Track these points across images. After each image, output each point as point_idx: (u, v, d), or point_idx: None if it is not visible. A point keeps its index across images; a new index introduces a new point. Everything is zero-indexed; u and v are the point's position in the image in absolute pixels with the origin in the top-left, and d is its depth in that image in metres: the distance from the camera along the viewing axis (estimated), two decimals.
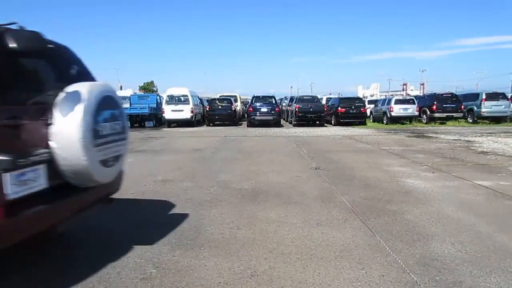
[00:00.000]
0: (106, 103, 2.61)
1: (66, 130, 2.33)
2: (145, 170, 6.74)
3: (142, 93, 34.66)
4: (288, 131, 17.07)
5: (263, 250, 3.07)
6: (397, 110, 21.36)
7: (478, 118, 21.14)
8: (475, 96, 21.91)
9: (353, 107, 21.15)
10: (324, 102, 24.25)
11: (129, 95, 23.62)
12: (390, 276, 2.61)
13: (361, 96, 38.81)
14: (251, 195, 4.91)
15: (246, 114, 24.03)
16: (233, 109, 21.40)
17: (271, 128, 18.65)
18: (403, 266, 2.76)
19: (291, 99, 24.95)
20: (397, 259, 2.88)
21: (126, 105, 20.43)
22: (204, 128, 19.46)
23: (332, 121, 21.82)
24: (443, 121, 21.22)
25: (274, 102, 21.15)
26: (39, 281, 2.57)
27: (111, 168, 2.74)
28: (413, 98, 23.64)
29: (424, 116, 21.52)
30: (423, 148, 9.88)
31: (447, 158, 7.98)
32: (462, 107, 21.27)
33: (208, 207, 4.34)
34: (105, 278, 2.59)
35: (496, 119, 21.05)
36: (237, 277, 2.61)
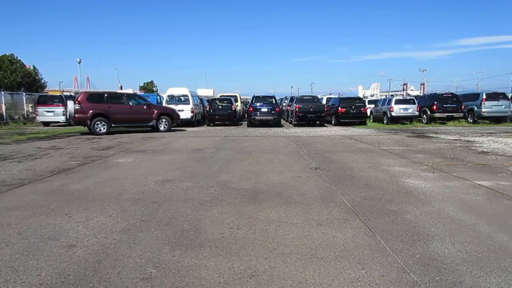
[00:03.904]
0: None
1: None
2: (146, 170, 6.75)
3: (142, 93, 34.66)
4: (288, 131, 17.07)
5: (263, 250, 3.07)
6: (397, 110, 21.37)
7: (479, 118, 21.14)
8: (475, 96, 21.91)
9: (353, 107, 21.16)
10: (324, 102, 24.26)
11: None
12: (390, 276, 2.61)
13: (361, 96, 38.93)
14: (251, 195, 4.91)
15: (246, 114, 24.04)
16: (233, 109, 21.42)
17: (271, 128, 18.65)
18: (403, 266, 2.76)
19: (291, 99, 24.98)
20: (397, 259, 2.88)
21: None
22: (204, 128, 19.46)
23: (332, 121, 21.83)
24: (443, 121, 21.22)
25: (274, 102, 21.16)
26: None
27: None
28: (413, 98, 23.65)
29: (425, 116, 21.52)
30: (423, 148, 9.87)
31: (447, 158, 7.98)
32: (463, 107, 21.27)
33: (208, 207, 4.34)
34: (105, 278, 2.59)
35: (497, 119, 21.05)
36: (237, 277, 2.61)
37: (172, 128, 16.74)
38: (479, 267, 2.73)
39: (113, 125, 15.35)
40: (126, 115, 15.62)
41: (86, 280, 2.55)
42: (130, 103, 16.07)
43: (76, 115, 14.89)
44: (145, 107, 16.18)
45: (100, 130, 15.04)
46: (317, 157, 8.31)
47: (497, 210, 4.18)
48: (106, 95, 16.03)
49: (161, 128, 16.30)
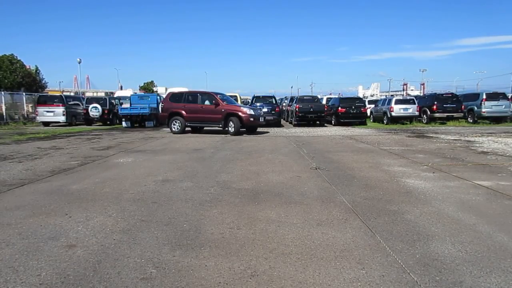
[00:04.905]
0: None
1: None
2: (146, 170, 6.74)
3: (143, 93, 34.62)
4: (288, 131, 17.07)
5: (263, 250, 3.07)
6: (398, 110, 21.36)
7: (479, 118, 21.13)
8: (475, 96, 21.90)
9: (353, 107, 21.17)
10: (324, 102, 24.26)
11: (129, 95, 23.65)
12: (391, 276, 2.61)
13: (361, 96, 38.93)
14: (251, 195, 4.91)
15: None
16: None
17: (271, 128, 18.65)
18: (404, 266, 2.76)
19: (291, 99, 24.98)
20: (397, 259, 2.88)
21: (127, 105, 20.47)
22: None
23: (333, 121, 21.83)
24: (443, 121, 21.22)
25: (274, 102, 21.17)
26: None
27: None
28: (414, 98, 23.65)
29: (425, 116, 21.51)
30: (423, 148, 9.87)
31: (447, 158, 7.98)
32: (463, 107, 21.26)
33: (208, 207, 4.34)
34: (105, 278, 2.59)
35: (497, 119, 21.04)
36: (237, 277, 2.61)
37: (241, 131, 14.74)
38: (479, 267, 2.73)
39: (187, 123, 15.38)
40: (197, 114, 15.24)
41: (86, 280, 2.55)
42: (206, 102, 15.29)
43: (160, 114, 16.14)
44: (214, 107, 14.89)
45: (176, 129, 15.22)
46: (317, 157, 8.31)
47: (497, 210, 4.18)
48: (185, 94, 16.16)
49: (230, 130, 14.54)
